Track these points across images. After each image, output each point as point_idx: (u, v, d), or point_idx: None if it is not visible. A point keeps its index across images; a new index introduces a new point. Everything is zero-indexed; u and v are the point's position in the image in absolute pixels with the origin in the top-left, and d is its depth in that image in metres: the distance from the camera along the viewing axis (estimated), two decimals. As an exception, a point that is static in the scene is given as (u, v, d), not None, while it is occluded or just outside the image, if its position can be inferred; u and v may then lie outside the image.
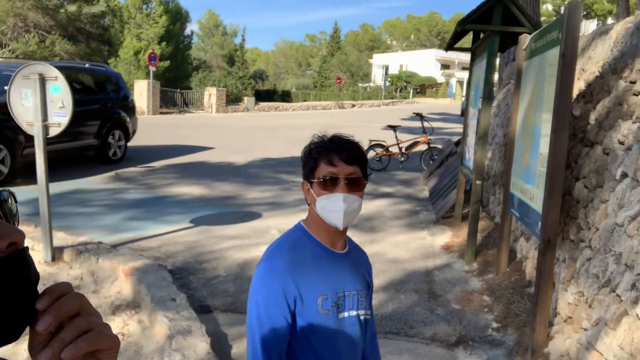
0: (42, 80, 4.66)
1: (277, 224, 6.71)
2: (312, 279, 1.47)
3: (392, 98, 50.33)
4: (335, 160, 1.46)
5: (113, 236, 5.86)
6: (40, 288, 0.58)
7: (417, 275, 5.25)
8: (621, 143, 3.31)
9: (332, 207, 1.46)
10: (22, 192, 7.35)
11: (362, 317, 1.56)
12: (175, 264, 5.19)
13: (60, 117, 4.75)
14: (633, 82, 3.43)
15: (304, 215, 1.67)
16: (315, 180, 1.49)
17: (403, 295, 4.78)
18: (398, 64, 62.67)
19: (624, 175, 3.12)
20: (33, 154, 5.00)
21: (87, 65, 10.46)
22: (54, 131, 4.79)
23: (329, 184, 1.46)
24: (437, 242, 6.37)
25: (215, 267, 5.16)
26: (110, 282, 4.73)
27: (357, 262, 1.64)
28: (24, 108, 4.73)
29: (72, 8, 31.50)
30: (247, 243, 5.83)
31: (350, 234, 1.61)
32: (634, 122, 3.23)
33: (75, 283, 4.75)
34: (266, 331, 1.42)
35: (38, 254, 5.03)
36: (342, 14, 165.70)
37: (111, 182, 8.79)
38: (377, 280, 5.07)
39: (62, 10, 31.17)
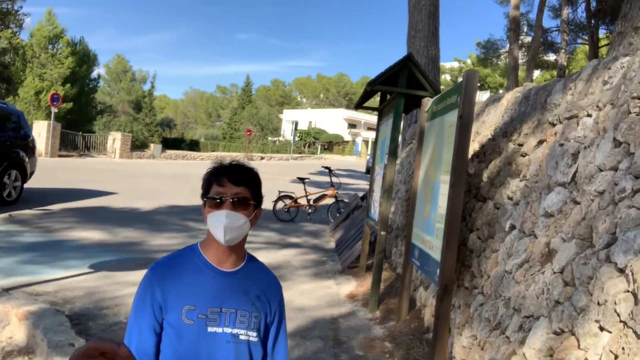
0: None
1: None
2: (181, 289, 1.58)
3: (300, 153, 51.33)
4: (224, 182, 1.62)
5: (6, 280, 5.48)
6: None
7: (323, 323, 5.35)
8: (510, 198, 3.68)
9: (216, 223, 1.59)
10: None
11: (242, 337, 1.60)
12: (74, 309, 4.93)
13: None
14: (521, 145, 3.87)
15: None
16: (206, 199, 1.63)
17: (309, 342, 4.85)
18: (307, 120, 64.42)
19: (512, 227, 3.46)
20: None
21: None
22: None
23: (217, 203, 1.60)
24: (343, 290, 6.53)
25: (117, 313, 4.97)
26: (1, 326, 4.41)
27: (249, 283, 1.68)
28: None
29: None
30: (151, 289, 5.66)
31: None
32: (521, 180, 3.62)
33: (-41, 329, 4.38)
34: (134, 322, 1.61)
35: None
36: (254, 68, 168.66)
37: (4, 224, 8.23)
38: (284, 328, 5.11)
39: (-42, 43, 29.35)
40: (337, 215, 11.19)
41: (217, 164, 1.69)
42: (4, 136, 9.74)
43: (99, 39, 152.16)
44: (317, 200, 11.92)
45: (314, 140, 56.92)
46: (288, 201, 11.50)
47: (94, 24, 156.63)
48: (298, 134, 54.36)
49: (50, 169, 17.06)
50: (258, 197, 1.69)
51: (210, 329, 1.56)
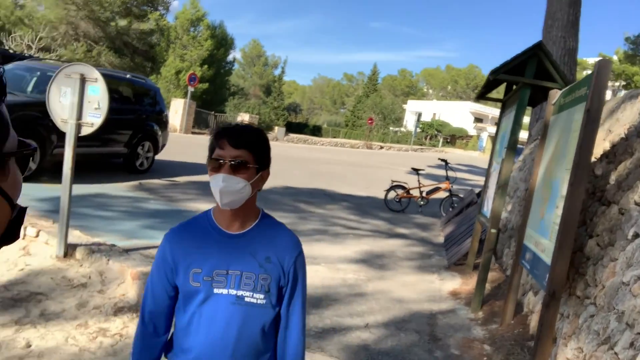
0: (83, 81, 4.85)
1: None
2: (190, 253, 1.64)
3: (421, 145, 50.43)
4: (224, 144, 1.61)
5: (127, 241, 5.96)
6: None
7: (420, 317, 5.20)
8: (637, 204, 3.29)
9: (214, 186, 1.60)
10: (46, 190, 7.55)
11: (247, 299, 1.60)
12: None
13: (95, 117, 4.92)
14: (655, 146, 3.44)
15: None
16: (208, 162, 1.64)
17: (403, 333, 4.74)
18: (431, 112, 62.98)
19: (636, 235, 3.10)
20: (61, 155, 5.15)
21: (128, 76, 10.79)
22: (86, 130, 4.95)
23: (216, 166, 1.61)
24: (446, 287, 6.31)
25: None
26: (117, 284, 4.80)
27: (257, 244, 1.66)
28: (61, 105, 4.92)
29: (122, 22, 32.67)
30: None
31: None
32: (651, 184, 3.22)
33: (83, 281, 4.83)
34: (150, 284, 1.71)
35: (51, 249, 5.14)
36: (382, 57, 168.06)
37: (134, 191, 8.96)
38: (379, 317, 5.04)
39: (112, 24, 32.35)
40: (450, 209, 10.83)
41: (221, 125, 1.68)
42: (140, 110, 10.57)
43: (238, 24, 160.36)
44: (430, 192, 11.61)
45: (436, 133, 55.60)
46: (400, 191, 11.32)
47: (235, 9, 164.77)
48: (420, 126, 53.39)
49: (182, 145, 18.29)
50: (262, 160, 1.66)
51: (216, 291, 1.60)
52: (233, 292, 1.61)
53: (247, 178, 1.60)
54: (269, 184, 10.13)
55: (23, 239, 5.30)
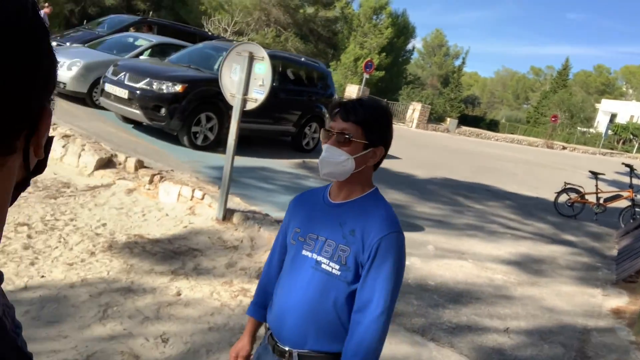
0: (251, 59, 5.21)
1: (435, 241, 6.58)
2: (300, 214, 1.78)
3: (611, 149, 45.46)
4: (336, 117, 1.65)
5: (280, 213, 6.30)
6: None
7: (571, 331, 4.74)
8: None
9: (321, 155, 1.66)
10: (219, 160, 8.27)
11: (323, 266, 1.63)
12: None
13: (258, 94, 5.26)
14: None
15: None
16: (322, 132, 1.71)
17: (547, 345, 4.37)
18: (629, 114, 56.32)
19: None
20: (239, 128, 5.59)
21: (302, 59, 11.33)
22: (250, 105, 5.32)
23: (325, 136, 1.67)
24: (608, 303, 5.66)
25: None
26: (264, 250, 5.12)
27: (348, 216, 1.66)
28: (231, 81, 5.35)
29: (310, 10, 34.28)
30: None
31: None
32: None
33: (235, 244, 5.24)
34: (275, 239, 1.93)
35: (212, 211, 5.64)
36: (575, 51, 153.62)
37: (296, 168, 9.42)
38: (523, 323, 4.71)
39: (301, 11, 34.09)
40: (631, 221, 9.64)
41: (341, 98, 1.75)
42: (311, 92, 11.03)
43: (422, 14, 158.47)
44: (608, 200, 10.43)
45: (631, 137, 49.66)
46: (573, 195, 10.35)
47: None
48: (613, 128, 48.10)
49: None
50: (374, 136, 1.64)
51: (304, 252, 1.68)
52: (315, 256, 1.66)
53: (351, 152, 1.62)
54: (429, 174, 9.95)
55: (191, 199, 5.90)
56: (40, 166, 0.66)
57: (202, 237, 5.27)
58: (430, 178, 11.21)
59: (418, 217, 7.69)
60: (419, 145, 19.40)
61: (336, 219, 1.67)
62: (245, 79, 5.21)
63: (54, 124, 7.54)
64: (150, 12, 31.88)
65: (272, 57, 9.76)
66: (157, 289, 4.21)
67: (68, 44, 12.42)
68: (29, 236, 4.71)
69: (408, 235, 6.20)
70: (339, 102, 1.68)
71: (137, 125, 9.16)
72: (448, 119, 34.45)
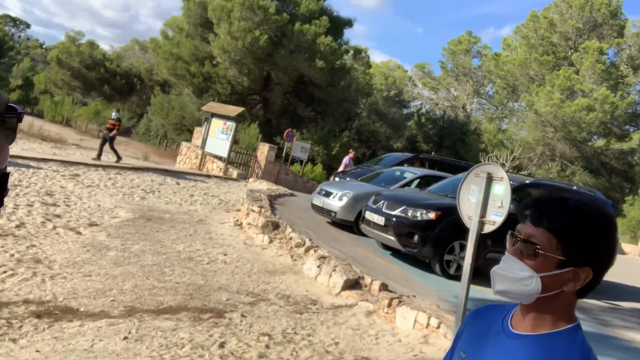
0: (489, 180, 4.93)
1: None
2: (470, 335, 1.39)
3: None
4: (526, 219, 1.25)
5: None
6: None
7: None
8: None
9: (495, 266, 1.28)
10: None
11: None
12: None
13: (497, 216, 4.88)
14: None
15: None
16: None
17: None
18: None
19: None
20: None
21: (574, 188, 10.31)
22: (488, 228, 4.95)
23: (509, 242, 1.28)
24: None
25: None
26: None
27: (524, 356, 1.18)
28: (468, 203, 5.11)
29: (600, 143, 31.84)
30: None
31: None
32: None
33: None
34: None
35: (447, 342, 5.19)
36: None
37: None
38: None
39: (589, 144, 31.90)
40: None
41: (541, 194, 1.27)
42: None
43: None
44: None
45: None
46: None
47: None
48: None
49: (633, 266, 15.84)
50: (576, 252, 1.17)
51: None
52: None
53: (537, 268, 1.19)
54: None
55: (426, 327, 5.57)
56: None
57: (431, 369, 4.84)
58: None
59: None
60: None
61: (509, 356, 1.23)
62: (483, 201, 4.91)
63: (317, 246, 8.21)
64: (433, 152, 33.81)
65: (535, 186, 9.19)
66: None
67: (348, 179, 13.83)
68: (267, 346, 4.99)
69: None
70: (534, 199, 1.28)
71: (395, 252, 9.35)
72: None
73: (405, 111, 44.04)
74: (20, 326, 4.67)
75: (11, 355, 4.11)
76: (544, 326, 1.22)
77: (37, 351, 4.24)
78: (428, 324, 5.53)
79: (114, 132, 16.34)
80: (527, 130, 32.22)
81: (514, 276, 1.20)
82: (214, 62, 28.13)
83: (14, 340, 4.38)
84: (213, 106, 20.72)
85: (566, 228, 1.17)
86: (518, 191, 8.46)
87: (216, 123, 19.30)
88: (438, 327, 5.45)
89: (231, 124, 18.73)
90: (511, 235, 1.27)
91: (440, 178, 11.21)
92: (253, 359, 4.67)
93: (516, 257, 1.22)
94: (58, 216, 8.84)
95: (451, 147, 35.39)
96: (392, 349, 5.27)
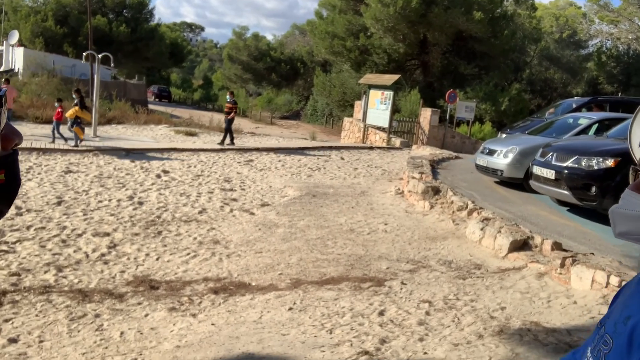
0: (667, 114, 4.20)
1: None
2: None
3: None
4: None
5: None
6: None
7: None
8: None
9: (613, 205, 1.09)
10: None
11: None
12: None
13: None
14: None
15: None
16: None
17: None
18: None
19: None
20: None
21: None
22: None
23: (631, 178, 1.08)
24: None
25: None
26: None
27: (637, 295, 1.01)
28: (644, 143, 4.41)
29: None
30: None
31: None
32: None
33: None
34: None
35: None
36: None
37: None
38: None
39: None
40: None
41: None
42: None
43: None
44: None
45: None
46: None
47: None
48: None
49: None
50: None
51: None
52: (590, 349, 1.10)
53: None
54: None
55: (605, 287, 4.99)
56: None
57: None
58: None
59: None
60: None
61: (628, 298, 1.06)
62: (661, 139, 4.20)
63: (480, 208, 7.82)
64: (620, 93, 30.10)
65: None
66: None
67: (518, 133, 12.91)
68: (427, 313, 4.89)
69: None
70: None
71: (573, 207, 8.53)
72: None
73: (582, 52, 39.74)
74: (200, 302, 5.19)
75: (190, 329, 4.59)
76: None
77: (212, 324, 4.68)
78: (608, 283, 4.95)
79: (232, 115, 16.49)
80: None
81: (637, 214, 1.01)
82: (368, 34, 28.10)
83: (194, 315, 4.88)
84: (369, 78, 20.76)
85: None
86: None
87: (374, 94, 19.33)
88: (619, 286, 4.84)
89: (389, 93, 18.60)
90: (632, 169, 1.08)
91: (621, 120, 9.91)
92: (413, 325, 4.61)
93: (638, 193, 1.03)
94: (234, 200, 9.62)
95: (641, 84, 31.15)
96: (566, 311, 4.82)
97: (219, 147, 15.68)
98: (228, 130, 16.47)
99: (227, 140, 16.45)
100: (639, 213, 1.01)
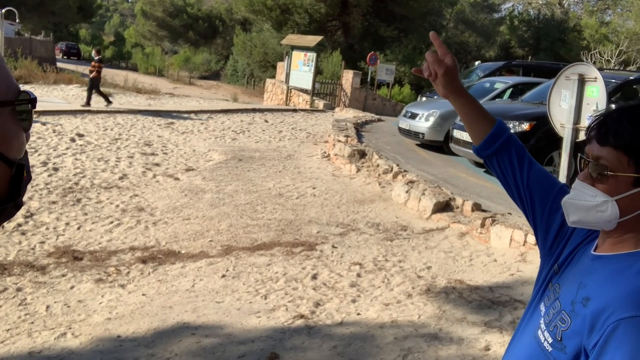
0: (581, 82, 4.49)
1: None
2: (569, 246, 1.27)
3: None
4: (592, 139, 1.11)
5: None
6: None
7: None
8: None
9: (565, 196, 1.17)
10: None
11: (539, 332, 1.16)
12: None
13: (593, 121, 4.46)
14: None
15: None
16: None
17: None
18: None
19: None
20: None
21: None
22: (583, 135, 4.55)
23: (579, 167, 1.15)
24: None
25: None
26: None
27: (595, 277, 1.10)
28: (560, 109, 4.71)
29: None
30: None
31: None
32: None
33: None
34: None
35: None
36: None
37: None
38: None
39: None
40: None
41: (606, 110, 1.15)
42: None
43: None
44: None
45: None
46: None
47: None
48: None
49: None
50: None
51: (541, 304, 1.24)
52: (542, 309, 1.22)
53: (610, 191, 1.06)
54: None
55: (523, 245, 5.35)
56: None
57: (528, 287, 4.66)
58: None
59: None
60: None
61: (580, 276, 1.13)
62: (576, 106, 4.49)
63: (405, 171, 8.06)
64: (530, 57, 31.57)
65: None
66: (465, 340, 3.89)
67: (437, 97, 13.29)
68: (358, 275, 5.04)
69: None
70: (599, 116, 1.13)
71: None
72: None
73: (496, 16, 41.16)
74: (128, 272, 5.05)
75: (120, 300, 4.47)
76: (625, 246, 1.10)
77: (143, 294, 4.58)
78: (525, 242, 5.31)
79: (94, 74, 15.03)
80: (634, 20, 29.04)
81: (587, 204, 1.09)
82: (290, -8, 27.61)
83: (122, 286, 4.75)
84: (292, 38, 20.51)
85: (635, 141, 1.03)
86: (621, 89, 7.71)
87: (297, 55, 19.15)
88: (536, 244, 5.21)
89: (312, 55, 18.50)
90: (580, 159, 1.15)
91: (535, 85, 10.45)
92: (345, 288, 4.74)
93: (587, 183, 1.10)
94: (157, 164, 9.32)
95: (549, 48, 32.83)
96: (487, 269, 5.13)
97: (148, 108, 14.89)
98: (90, 90, 15.04)
99: (90, 101, 14.91)
100: (589, 203, 1.08)
